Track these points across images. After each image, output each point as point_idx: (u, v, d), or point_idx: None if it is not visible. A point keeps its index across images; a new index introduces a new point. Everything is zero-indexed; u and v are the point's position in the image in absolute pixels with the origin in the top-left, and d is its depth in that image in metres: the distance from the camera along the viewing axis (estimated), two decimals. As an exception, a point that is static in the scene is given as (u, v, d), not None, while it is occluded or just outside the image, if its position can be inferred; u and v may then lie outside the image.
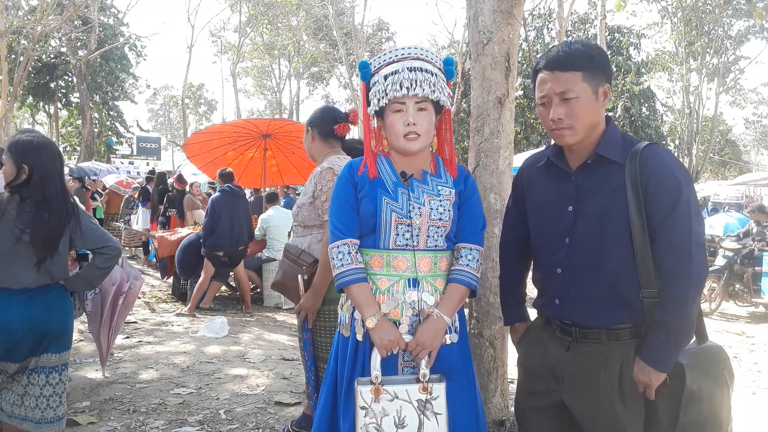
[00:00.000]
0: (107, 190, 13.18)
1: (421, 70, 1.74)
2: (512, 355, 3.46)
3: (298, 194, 10.98)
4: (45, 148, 2.30)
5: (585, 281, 1.63)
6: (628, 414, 1.57)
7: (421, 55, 1.79)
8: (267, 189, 9.53)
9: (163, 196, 9.53)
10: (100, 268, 2.46)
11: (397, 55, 1.78)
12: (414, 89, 1.72)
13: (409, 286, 1.76)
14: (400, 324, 1.75)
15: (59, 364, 2.35)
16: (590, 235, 1.61)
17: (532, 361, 1.80)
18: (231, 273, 6.49)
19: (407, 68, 1.73)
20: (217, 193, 6.25)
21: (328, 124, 2.62)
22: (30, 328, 2.25)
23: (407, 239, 1.77)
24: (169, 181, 10.22)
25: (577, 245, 1.63)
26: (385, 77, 1.75)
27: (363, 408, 1.67)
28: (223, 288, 6.92)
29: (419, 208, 1.77)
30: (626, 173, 1.55)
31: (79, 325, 4.99)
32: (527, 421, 1.81)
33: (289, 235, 2.72)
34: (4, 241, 2.19)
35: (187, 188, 9.49)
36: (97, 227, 2.47)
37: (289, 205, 8.34)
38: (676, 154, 23.83)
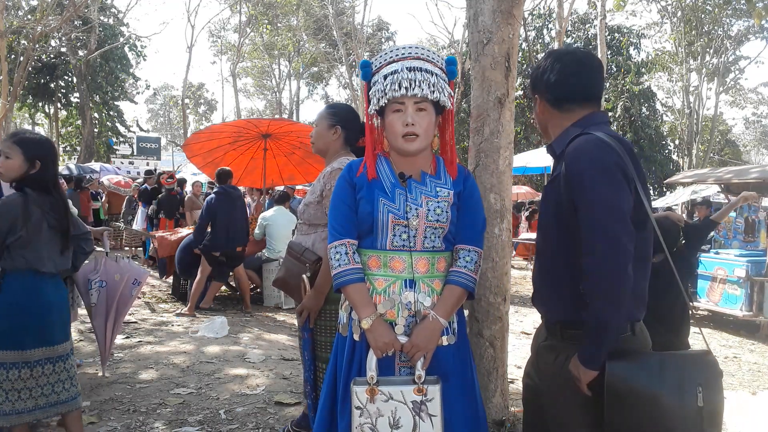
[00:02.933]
0: (106, 191, 13.18)
1: (421, 70, 1.73)
2: (512, 355, 3.46)
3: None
4: (51, 145, 2.61)
5: (541, 271, 1.70)
6: (575, 413, 1.56)
7: (422, 54, 1.78)
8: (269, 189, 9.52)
9: (152, 198, 9.55)
10: (86, 253, 2.76)
11: (397, 55, 1.78)
12: (413, 89, 1.72)
13: (406, 286, 1.76)
14: (396, 325, 1.75)
15: (71, 349, 2.60)
16: (540, 226, 1.71)
17: (532, 345, 1.84)
18: (231, 273, 6.50)
19: (406, 68, 1.73)
20: (211, 195, 6.25)
21: (357, 132, 2.58)
22: (59, 310, 2.51)
23: (404, 240, 1.77)
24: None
25: (538, 236, 1.73)
26: (385, 77, 1.75)
27: (358, 408, 1.67)
28: (223, 288, 6.92)
29: (416, 209, 1.76)
30: (561, 165, 1.57)
31: (79, 325, 5.00)
32: (524, 398, 1.84)
33: (293, 233, 2.70)
34: (43, 231, 2.43)
35: (188, 188, 9.50)
36: (76, 216, 2.81)
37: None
38: (676, 154, 23.82)
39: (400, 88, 1.72)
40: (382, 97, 1.74)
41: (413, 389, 1.68)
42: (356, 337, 1.79)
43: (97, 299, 3.44)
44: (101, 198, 12.95)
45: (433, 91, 1.74)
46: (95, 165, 18.19)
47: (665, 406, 1.42)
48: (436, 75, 1.76)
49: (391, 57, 1.78)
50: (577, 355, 1.51)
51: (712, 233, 7.49)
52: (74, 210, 3.71)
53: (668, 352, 1.58)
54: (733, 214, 7.71)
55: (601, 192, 1.43)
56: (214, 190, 6.34)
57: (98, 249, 3.62)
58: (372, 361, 1.70)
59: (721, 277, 6.59)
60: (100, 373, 3.77)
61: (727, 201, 9.41)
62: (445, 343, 1.78)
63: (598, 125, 1.62)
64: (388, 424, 1.67)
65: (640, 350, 1.56)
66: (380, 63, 1.80)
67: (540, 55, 17.66)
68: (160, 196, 9.53)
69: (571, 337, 1.57)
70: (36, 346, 2.41)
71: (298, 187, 11.46)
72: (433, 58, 1.80)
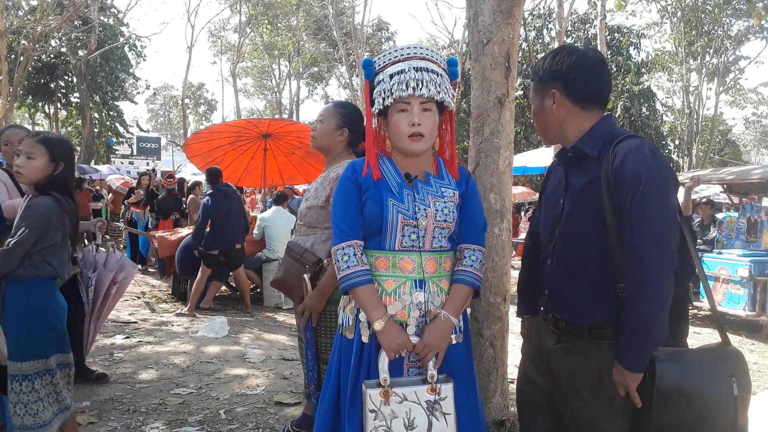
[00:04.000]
0: (112, 191, 13.16)
1: (427, 70, 1.73)
2: (512, 355, 3.46)
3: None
4: (72, 145, 2.52)
5: (567, 274, 1.65)
6: (606, 414, 1.56)
7: (427, 55, 1.78)
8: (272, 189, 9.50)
9: (151, 199, 9.48)
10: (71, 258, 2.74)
11: (402, 54, 1.77)
12: (420, 89, 1.71)
13: (416, 287, 1.76)
14: (407, 326, 1.75)
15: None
16: (569, 227, 1.65)
17: (531, 349, 1.83)
18: (231, 273, 6.50)
19: (413, 68, 1.73)
20: (206, 198, 6.25)
21: (361, 136, 2.55)
22: (67, 316, 2.45)
23: (413, 240, 1.77)
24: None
25: (561, 237, 1.68)
26: (391, 76, 1.74)
27: (372, 411, 1.66)
28: (223, 288, 6.92)
29: (425, 209, 1.77)
30: (602, 168, 1.55)
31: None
32: (523, 405, 1.84)
33: (291, 233, 2.68)
34: (65, 237, 2.37)
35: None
36: None
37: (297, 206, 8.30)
38: (676, 154, 23.82)
39: (407, 88, 1.71)
40: (388, 96, 1.74)
41: (426, 389, 1.69)
42: (365, 339, 1.78)
43: (93, 295, 3.43)
44: (104, 199, 12.89)
45: (439, 92, 1.74)
46: (103, 167, 18.23)
47: (709, 400, 1.49)
48: (441, 76, 1.76)
49: (396, 56, 1.78)
50: (618, 363, 1.51)
51: (714, 234, 7.50)
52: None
53: (697, 348, 1.62)
54: (735, 214, 7.70)
55: (660, 198, 1.46)
56: (209, 191, 6.33)
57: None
58: (384, 362, 1.70)
59: (724, 277, 6.59)
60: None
61: (729, 201, 9.42)
62: (453, 341, 1.78)
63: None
64: (403, 426, 1.66)
65: (676, 349, 1.57)
66: (384, 62, 1.79)
67: (540, 55, 17.65)
68: (160, 196, 9.50)
69: (598, 337, 1.58)
70: (55, 353, 2.36)
71: (300, 188, 11.45)
72: (437, 59, 1.79)
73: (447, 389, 1.69)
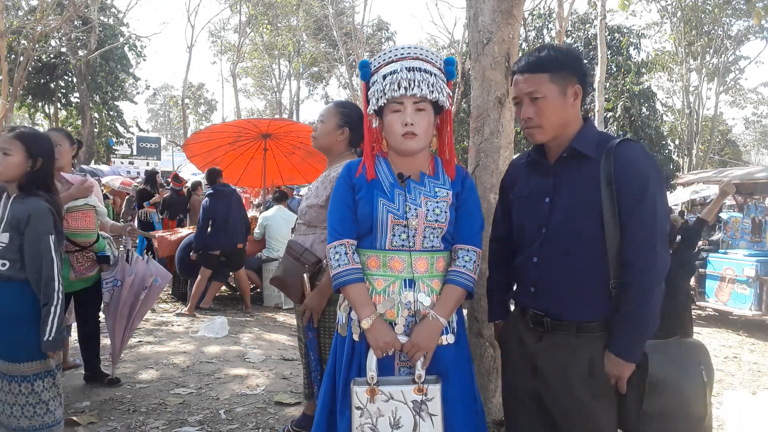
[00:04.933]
0: (114, 192, 13.13)
1: (420, 70, 1.74)
2: (512, 355, 3.45)
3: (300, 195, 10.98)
4: (51, 141, 2.44)
5: (557, 270, 1.68)
6: (598, 406, 1.60)
7: (421, 54, 1.78)
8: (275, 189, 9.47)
9: (150, 198, 9.44)
10: None
11: (396, 55, 1.78)
12: (412, 89, 1.72)
13: (405, 286, 1.77)
14: (395, 325, 1.75)
15: None
16: (562, 226, 1.67)
17: (511, 352, 1.84)
18: (231, 273, 6.50)
19: (405, 68, 1.73)
20: (205, 199, 6.25)
21: (362, 135, 2.55)
22: None
23: (403, 240, 1.77)
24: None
25: (552, 235, 1.69)
26: (384, 77, 1.75)
27: (358, 408, 1.68)
28: (223, 288, 6.92)
29: (415, 209, 1.77)
30: (601, 169, 1.59)
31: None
32: (511, 411, 1.84)
33: (292, 231, 2.69)
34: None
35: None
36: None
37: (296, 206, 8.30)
38: (676, 154, 23.83)
39: (399, 88, 1.72)
40: (381, 97, 1.75)
41: (413, 389, 1.69)
42: (356, 337, 1.79)
43: (110, 299, 3.43)
44: (109, 199, 12.84)
45: (432, 91, 1.74)
46: (104, 167, 18.20)
47: (686, 388, 1.61)
48: (435, 75, 1.76)
49: (390, 57, 1.78)
50: (616, 354, 1.57)
51: (719, 235, 7.51)
52: (103, 209, 3.69)
53: (670, 341, 1.71)
54: (739, 214, 7.72)
55: (661, 199, 1.57)
56: (207, 192, 6.32)
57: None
58: (372, 361, 1.71)
59: (730, 276, 6.60)
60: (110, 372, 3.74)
61: (734, 201, 9.44)
62: (444, 342, 1.78)
63: None
64: (388, 424, 1.67)
65: (656, 341, 1.64)
66: (379, 63, 1.80)
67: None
68: (165, 196, 9.49)
69: (585, 331, 1.62)
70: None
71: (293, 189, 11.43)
72: (431, 59, 1.79)
73: (434, 390, 1.69)
